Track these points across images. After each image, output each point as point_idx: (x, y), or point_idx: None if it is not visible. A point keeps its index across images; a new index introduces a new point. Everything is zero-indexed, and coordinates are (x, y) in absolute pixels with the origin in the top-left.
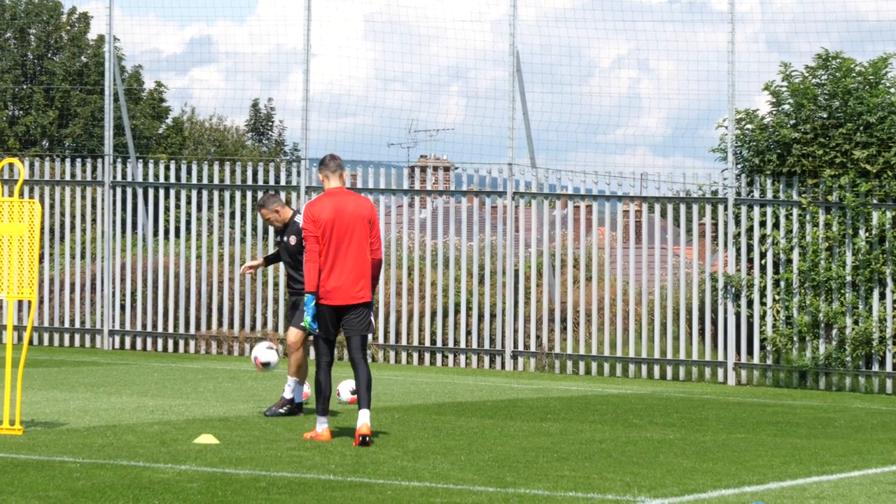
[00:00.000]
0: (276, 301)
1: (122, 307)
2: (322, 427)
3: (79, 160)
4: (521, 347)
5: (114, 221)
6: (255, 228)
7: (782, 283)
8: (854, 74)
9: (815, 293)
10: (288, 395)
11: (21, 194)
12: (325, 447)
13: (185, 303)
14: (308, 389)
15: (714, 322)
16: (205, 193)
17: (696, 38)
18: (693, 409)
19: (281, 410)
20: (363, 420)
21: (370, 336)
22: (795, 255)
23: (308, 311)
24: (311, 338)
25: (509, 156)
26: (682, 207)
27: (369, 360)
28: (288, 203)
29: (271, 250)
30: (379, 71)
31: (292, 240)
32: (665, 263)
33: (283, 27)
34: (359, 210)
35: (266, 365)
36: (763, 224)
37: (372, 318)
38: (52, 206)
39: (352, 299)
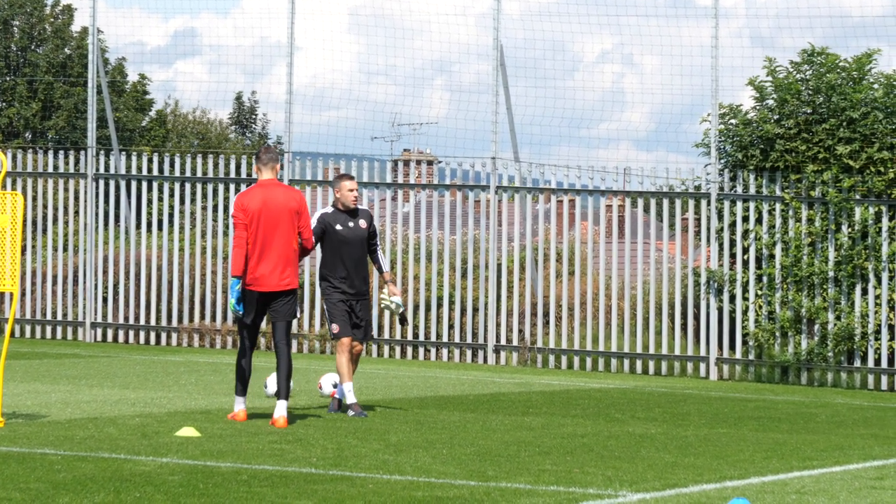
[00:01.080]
0: None
1: (105, 300)
2: (239, 407)
3: (62, 152)
4: (503, 342)
5: (96, 214)
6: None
7: (765, 279)
8: (838, 70)
9: (797, 288)
10: (350, 399)
11: (3, 186)
12: (307, 440)
13: (168, 295)
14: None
15: (696, 317)
16: (188, 186)
17: (680, 33)
18: (675, 403)
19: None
20: (280, 412)
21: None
22: (778, 251)
23: (233, 293)
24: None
25: (493, 150)
26: (665, 202)
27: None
28: None
29: None
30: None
31: (362, 224)
32: (648, 258)
33: (268, 20)
34: (287, 202)
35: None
36: (746, 219)
37: (297, 306)
38: (34, 199)
39: (278, 286)
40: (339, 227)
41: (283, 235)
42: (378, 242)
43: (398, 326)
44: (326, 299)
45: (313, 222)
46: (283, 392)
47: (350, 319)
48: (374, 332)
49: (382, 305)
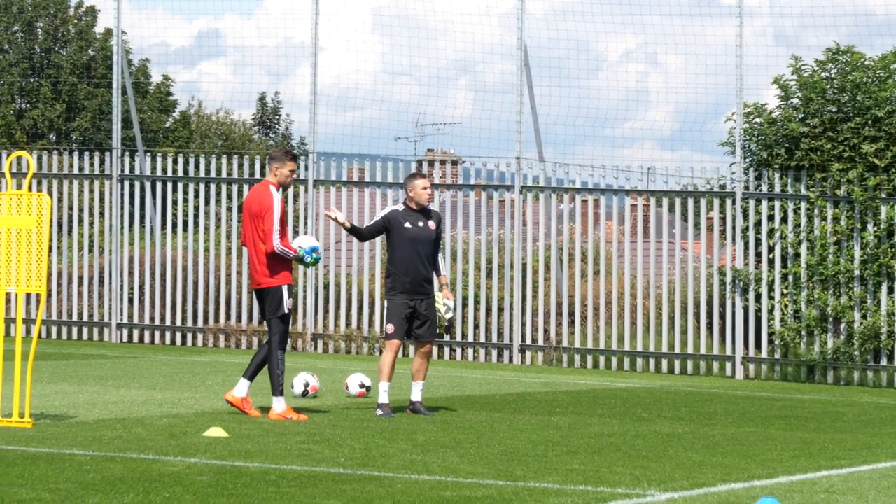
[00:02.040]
0: None
1: (130, 300)
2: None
3: (86, 153)
4: (528, 341)
5: (122, 215)
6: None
7: (790, 278)
8: (863, 68)
9: (823, 287)
10: (382, 399)
11: (30, 187)
12: (334, 440)
13: (193, 296)
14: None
15: (722, 316)
16: (212, 187)
17: (704, 32)
18: (701, 403)
19: (424, 411)
20: (238, 391)
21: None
22: (803, 250)
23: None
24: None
25: (517, 150)
26: (690, 201)
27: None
28: (296, 197)
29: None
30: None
31: (431, 225)
32: (673, 257)
33: (291, 21)
34: (250, 204)
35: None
36: (771, 218)
37: (283, 302)
38: (59, 200)
39: (254, 285)
40: (407, 224)
41: (249, 237)
42: (441, 245)
43: (449, 331)
44: (388, 298)
45: (378, 217)
46: (248, 373)
47: (406, 323)
48: None
49: (435, 307)
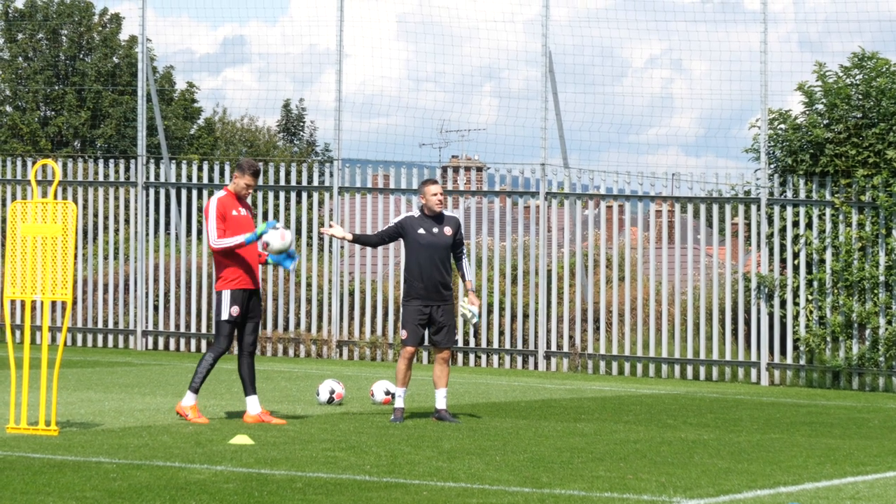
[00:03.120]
0: (308, 301)
1: (156, 308)
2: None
3: (111, 161)
4: (553, 348)
5: (146, 222)
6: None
7: (815, 284)
8: (888, 74)
9: (848, 293)
10: (398, 403)
11: (55, 195)
12: (360, 447)
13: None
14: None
15: (747, 322)
16: None
17: (728, 38)
18: (727, 409)
19: (449, 418)
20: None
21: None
22: (828, 256)
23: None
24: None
25: (542, 156)
26: (715, 207)
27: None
28: (321, 204)
29: (303, 251)
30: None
31: (447, 231)
32: (698, 263)
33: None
34: None
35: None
36: (796, 224)
37: (222, 307)
38: (84, 207)
39: None
40: (421, 231)
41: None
42: (464, 251)
43: (475, 337)
44: (404, 304)
45: (391, 223)
46: (248, 389)
47: (421, 329)
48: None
49: (459, 313)
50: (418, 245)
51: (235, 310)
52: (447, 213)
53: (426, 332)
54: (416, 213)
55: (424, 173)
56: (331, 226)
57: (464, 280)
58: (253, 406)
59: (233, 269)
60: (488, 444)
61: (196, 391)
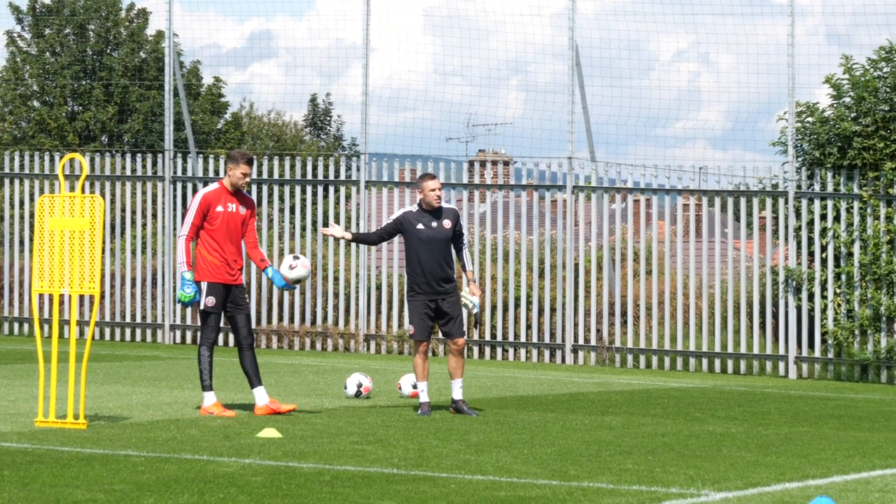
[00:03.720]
0: (335, 296)
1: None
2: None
3: (139, 155)
4: (581, 341)
5: (174, 216)
6: (314, 223)
7: (843, 277)
8: None
9: (876, 286)
10: (423, 398)
11: (83, 189)
12: (388, 441)
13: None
14: (418, 388)
15: (775, 316)
16: (264, 188)
17: (756, 31)
18: (755, 402)
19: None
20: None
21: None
22: (856, 249)
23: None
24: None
25: (569, 150)
26: (742, 201)
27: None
28: (348, 198)
29: (330, 245)
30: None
31: (446, 224)
32: (725, 257)
33: (343, 22)
34: None
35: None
36: (824, 217)
37: (201, 297)
38: (112, 202)
39: None
40: (420, 226)
41: None
42: (465, 242)
43: (477, 327)
44: (409, 299)
45: (390, 220)
46: (253, 382)
47: (430, 322)
48: None
49: (461, 303)
50: (418, 240)
51: (211, 300)
52: (445, 205)
53: (435, 325)
54: (413, 208)
55: (451, 167)
56: (331, 225)
57: (465, 270)
58: (261, 397)
59: (208, 261)
60: (516, 438)
61: (210, 388)
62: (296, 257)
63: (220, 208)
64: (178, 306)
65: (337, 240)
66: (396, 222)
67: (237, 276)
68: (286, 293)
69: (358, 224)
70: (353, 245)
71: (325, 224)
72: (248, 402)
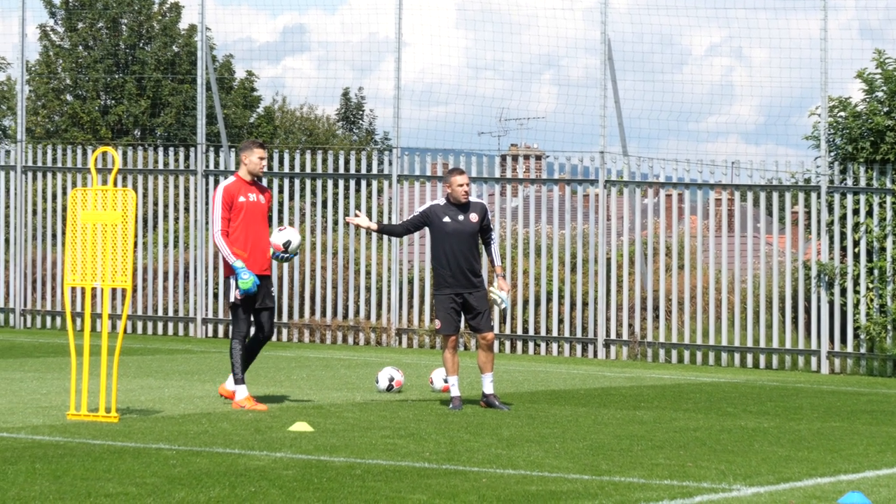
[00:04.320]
0: (368, 290)
1: (215, 295)
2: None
3: (171, 149)
4: (613, 336)
5: (206, 210)
6: (346, 217)
7: (876, 272)
8: None
9: None
10: (454, 392)
11: (115, 183)
12: (419, 435)
13: (278, 291)
14: (449, 382)
15: (807, 310)
16: (296, 182)
17: (788, 25)
18: (787, 397)
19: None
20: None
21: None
22: (889, 244)
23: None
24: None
25: (601, 144)
26: (775, 195)
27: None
28: (380, 192)
29: (363, 239)
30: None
31: (473, 218)
32: (757, 252)
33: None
34: None
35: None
36: (856, 212)
37: (231, 291)
38: (144, 195)
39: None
40: (446, 219)
41: None
42: (493, 236)
43: (508, 321)
44: (435, 294)
45: (416, 212)
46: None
47: (456, 316)
48: None
49: (490, 298)
50: (444, 233)
51: (238, 293)
52: (473, 199)
53: (462, 319)
54: (441, 201)
55: (483, 161)
56: (356, 215)
57: (493, 265)
58: (230, 383)
59: (236, 254)
60: (547, 432)
61: (242, 381)
62: (281, 228)
63: (242, 199)
64: (211, 300)
65: (361, 230)
66: (423, 215)
67: (265, 267)
68: (318, 288)
69: (390, 218)
70: (385, 239)
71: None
72: (280, 395)
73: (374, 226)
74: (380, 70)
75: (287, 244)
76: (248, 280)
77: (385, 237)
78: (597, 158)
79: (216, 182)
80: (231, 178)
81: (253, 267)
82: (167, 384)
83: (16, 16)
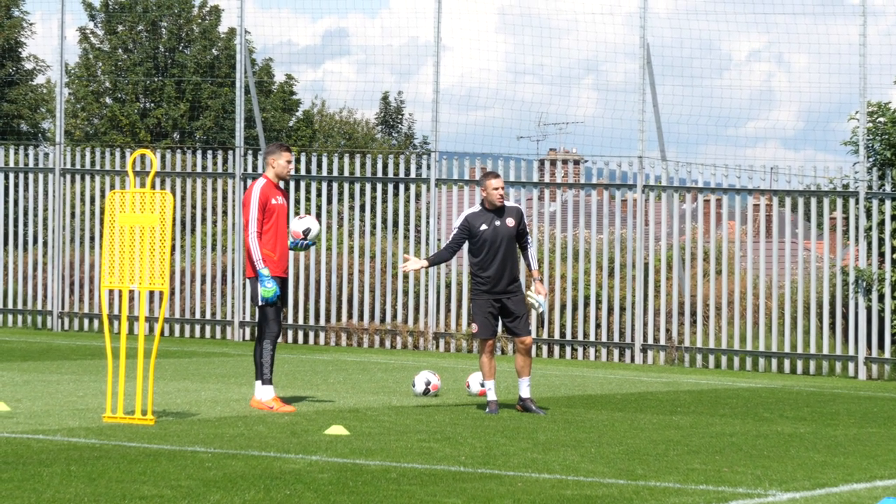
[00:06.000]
0: (405, 293)
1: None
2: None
3: (209, 152)
4: (650, 341)
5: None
6: (384, 221)
7: None
8: None
9: None
10: (491, 396)
11: (153, 186)
12: (455, 438)
13: (315, 295)
14: (486, 386)
15: (845, 316)
16: (335, 186)
17: (828, 31)
18: (824, 403)
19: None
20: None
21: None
22: None
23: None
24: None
25: (639, 149)
26: (813, 201)
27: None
28: (418, 196)
29: (400, 243)
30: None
31: (509, 222)
32: (795, 257)
33: (416, 20)
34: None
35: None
36: (895, 218)
37: (259, 291)
38: (182, 198)
39: (246, 274)
40: (483, 226)
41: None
42: (529, 240)
43: (545, 326)
44: (473, 298)
45: (455, 228)
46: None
47: (494, 321)
48: None
49: (527, 302)
50: (482, 240)
51: (262, 300)
52: (508, 203)
53: (499, 323)
54: (476, 208)
55: (522, 166)
56: (406, 260)
57: (529, 269)
58: (260, 392)
59: (267, 256)
60: (583, 436)
61: (269, 381)
62: (298, 216)
63: (273, 201)
64: (250, 304)
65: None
66: (461, 229)
67: (286, 268)
68: (356, 292)
69: (427, 222)
70: (423, 242)
71: (395, 224)
72: (317, 399)
73: (424, 263)
74: (420, 74)
75: (307, 231)
76: (270, 289)
77: (427, 252)
78: (635, 163)
79: None
80: (262, 180)
81: (278, 268)
82: (203, 387)
83: (56, 19)
